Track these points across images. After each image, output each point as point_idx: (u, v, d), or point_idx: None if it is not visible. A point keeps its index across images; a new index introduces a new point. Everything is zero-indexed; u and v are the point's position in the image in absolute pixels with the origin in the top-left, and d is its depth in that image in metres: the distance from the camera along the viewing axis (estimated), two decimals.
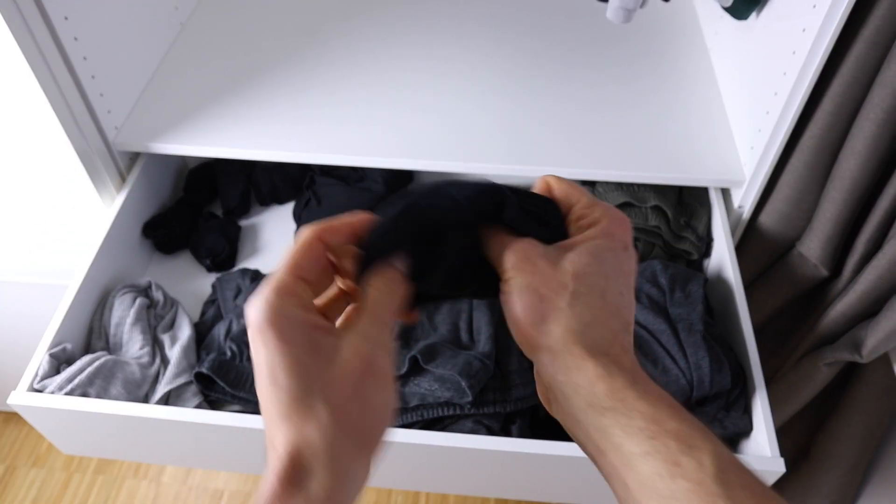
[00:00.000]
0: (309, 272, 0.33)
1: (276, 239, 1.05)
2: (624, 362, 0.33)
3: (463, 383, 0.75)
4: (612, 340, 0.34)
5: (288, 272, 0.33)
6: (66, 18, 0.79)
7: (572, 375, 0.33)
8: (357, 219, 0.35)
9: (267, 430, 0.30)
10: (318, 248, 0.34)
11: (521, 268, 0.35)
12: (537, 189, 0.40)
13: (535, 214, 0.38)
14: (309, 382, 0.29)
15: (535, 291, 0.34)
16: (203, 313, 0.94)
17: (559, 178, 0.39)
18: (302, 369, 0.30)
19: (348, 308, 0.37)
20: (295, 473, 0.28)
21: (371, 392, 0.31)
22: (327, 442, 0.29)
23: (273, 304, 0.31)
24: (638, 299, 0.84)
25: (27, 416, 0.76)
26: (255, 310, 0.31)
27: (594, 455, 0.34)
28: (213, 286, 0.95)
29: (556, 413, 0.36)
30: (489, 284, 0.38)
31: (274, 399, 0.29)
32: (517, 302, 0.35)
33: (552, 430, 0.82)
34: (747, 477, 0.30)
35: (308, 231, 0.34)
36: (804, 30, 0.73)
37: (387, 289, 0.34)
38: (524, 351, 0.36)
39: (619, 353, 0.34)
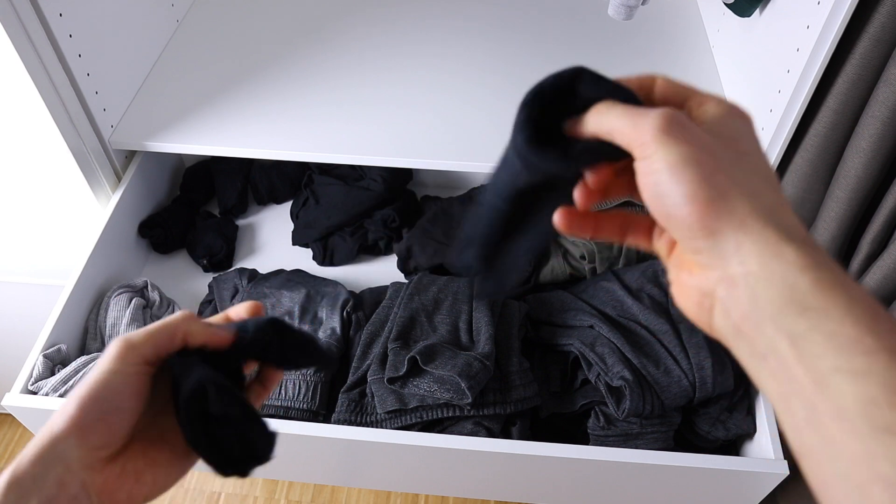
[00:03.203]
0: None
1: (273, 238, 1.04)
2: (824, 257, 0.26)
3: (463, 384, 0.74)
4: (803, 230, 0.28)
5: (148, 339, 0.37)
6: (60, 15, 0.78)
7: (767, 264, 0.26)
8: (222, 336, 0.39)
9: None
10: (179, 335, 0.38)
11: (673, 137, 0.28)
12: (633, 81, 0.34)
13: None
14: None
15: (702, 163, 0.27)
16: (200, 313, 0.93)
17: (667, 79, 0.33)
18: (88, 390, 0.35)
19: None
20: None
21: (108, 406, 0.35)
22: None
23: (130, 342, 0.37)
24: (639, 299, 0.83)
25: (21, 417, 0.75)
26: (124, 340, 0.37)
27: (773, 370, 0.26)
28: (210, 286, 0.94)
29: (721, 320, 0.29)
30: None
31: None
32: (678, 179, 0.27)
33: (553, 431, 0.82)
34: None
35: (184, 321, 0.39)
36: (808, 27, 0.72)
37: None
38: (686, 242, 0.29)
39: (816, 246, 0.27)
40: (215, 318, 0.41)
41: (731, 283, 0.27)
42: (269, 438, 0.36)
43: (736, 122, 0.30)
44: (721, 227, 0.27)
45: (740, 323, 0.27)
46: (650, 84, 0.33)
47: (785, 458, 0.73)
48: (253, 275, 0.94)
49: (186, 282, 0.98)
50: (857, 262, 0.84)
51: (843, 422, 0.24)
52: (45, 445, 0.33)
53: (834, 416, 0.24)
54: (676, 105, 0.31)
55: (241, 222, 1.06)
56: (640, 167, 0.29)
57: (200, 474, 1.41)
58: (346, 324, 0.86)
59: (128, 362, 0.36)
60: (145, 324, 0.86)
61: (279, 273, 0.94)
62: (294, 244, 1.03)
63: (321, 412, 0.81)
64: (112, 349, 0.36)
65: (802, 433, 0.25)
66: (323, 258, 1.00)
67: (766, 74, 0.82)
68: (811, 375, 0.25)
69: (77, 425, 0.33)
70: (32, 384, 0.75)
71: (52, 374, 0.77)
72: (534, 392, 0.79)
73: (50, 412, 0.73)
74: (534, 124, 0.33)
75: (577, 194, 0.33)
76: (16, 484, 0.31)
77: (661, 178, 0.28)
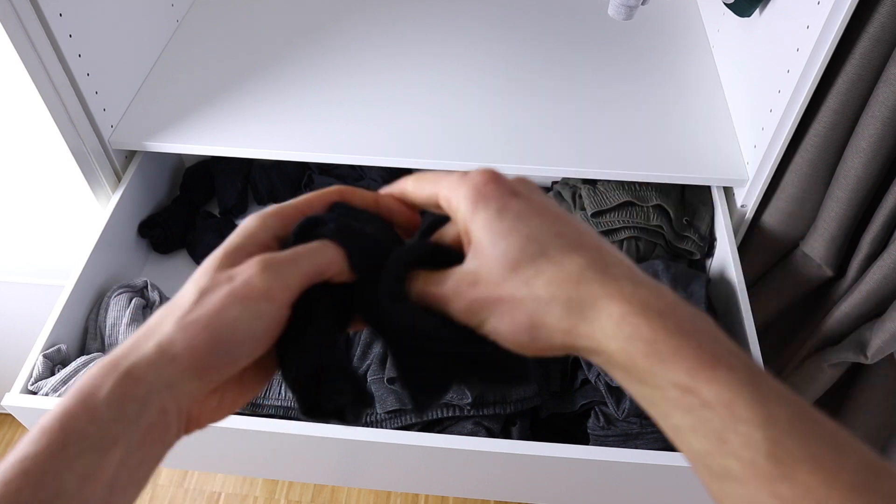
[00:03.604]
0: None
1: None
2: (634, 317, 0.28)
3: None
4: (607, 293, 0.28)
5: (295, 209, 0.35)
6: (60, 15, 0.78)
7: (597, 355, 0.29)
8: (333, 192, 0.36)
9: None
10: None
11: (474, 313, 0.31)
12: (394, 193, 0.35)
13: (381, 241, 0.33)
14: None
15: (503, 318, 0.30)
16: None
17: (416, 179, 0.34)
18: (214, 262, 0.32)
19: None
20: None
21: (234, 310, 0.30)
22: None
23: (264, 215, 0.35)
24: None
25: (21, 417, 0.75)
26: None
27: (658, 424, 0.30)
28: None
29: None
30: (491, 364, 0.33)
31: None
32: (506, 339, 0.30)
33: (553, 431, 0.82)
34: (811, 444, 0.25)
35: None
36: (808, 27, 0.72)
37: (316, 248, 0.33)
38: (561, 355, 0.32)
39: (627, 304, 0.28)
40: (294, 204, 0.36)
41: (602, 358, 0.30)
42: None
43: (490, 219, 0.31)
44: (554, 346, 0.30)
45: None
46: (401, 191, 0.35)
47: None
48: None
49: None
50: (856, 261, 0.84)
51: (700, 469, 0.27)
52: (158, 365, 0.29)
53: (694, 464, 0.27)
54: (435, 203, 0.33)
55: (241, 222, 1.06)
56: (484, 335, 0.32)
57: (200, 474, 1.41)
58: None
59: (274, 301, 0.30)
60: None
61: None
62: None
63: None
64: (256, 281, 0.30)
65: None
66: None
67: (766, 74, 0.82)
68: (671, 431, 0.28)
69: (198, 359, 0.29)
70: (32, 384, 0.75)
71: (52, 374, 0.77)
72: (534, 392, 0.79)
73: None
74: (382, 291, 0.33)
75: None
76: (118, 400, 0.28)
77: (499, 339, 0.31)
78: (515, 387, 0.36)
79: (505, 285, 0.30)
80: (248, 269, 0.31)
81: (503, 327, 0.30)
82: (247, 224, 0.35)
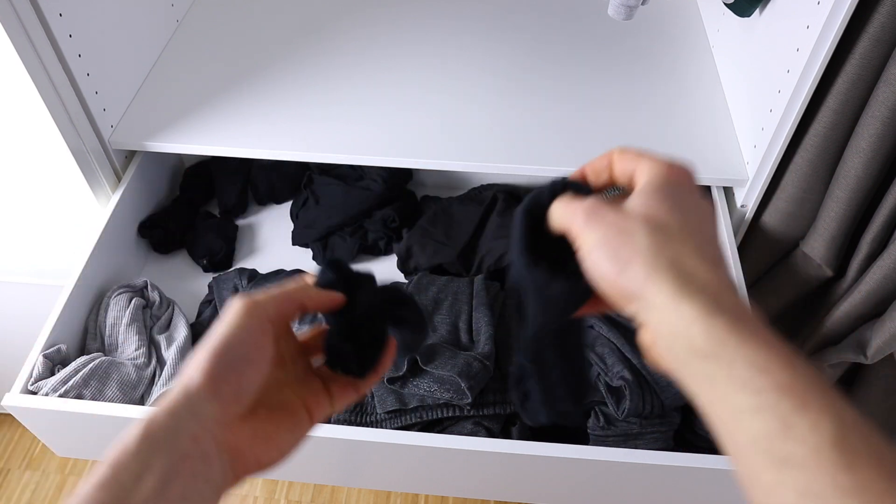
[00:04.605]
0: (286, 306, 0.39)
1: (273, 238, 1.04)
2: (725, 300, 0.30)
3: (462, 384, 0.74)
4: (707, 273, 0.31)
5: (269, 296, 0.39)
6: (60, 15, 0.78)
7: (668, 319, 0.30)
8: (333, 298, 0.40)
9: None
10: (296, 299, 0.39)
11: (590, 225, 0.33)
12: (597, 162, 0.40)
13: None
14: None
15: (609, 241, 0.32)
16: (200, 313, 0.93)
17: (620, 152, 0.38)
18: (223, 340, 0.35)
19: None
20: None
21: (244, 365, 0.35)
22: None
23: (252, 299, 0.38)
24: None
25: (21, 417, 0.75)
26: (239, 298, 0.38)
27: (706, 406, 0.30)
28: (210, 286, 0.94)
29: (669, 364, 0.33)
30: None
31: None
32: (597, 260, 0.33)
33: (553, 431, 0.82)
34: (875, 445, 0.25)
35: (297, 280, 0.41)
36: (808, 27, 0.72)
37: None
38: (621, 309, 0.34)
39: (720, 288, 0.30)
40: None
41: (656, 335, 0.32)
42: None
43: (668, 185, 0.34)
44: (632, 292, 0.32)
45: (675, 370, 0.31)
46: (609, 160, 0.38)
47: None
48: (253, 275, 0.94)
49: (186, 282, 0.98)
50: (856, 261, 0.84)
51: (755, 455, 0.27)
52: (179, 398, 0.32)
53: (748, 447, 0.27)
54: (630, 175, 0.37)
55: (240, 222, 1.06)
56: (580, 255, 0.34)
57: None
58: None
59: (253, 317, 0.35)
60: (145, 324, 0.86)
61: (279, 273, 0.94)
62: (294, 244, 1.03)
63: None
64: (236, 305, 0.36)
65: (735, 461, 0.29)
66: (323, 258, 0.99)
67: (766, 74, 0.82)
68: (727, 412, 0.28)
69: (209, 376, 0.33)
70: (32, 384, 0.75)
71: (52, 374, 0.77)
72: None
73: (49, 412, 0.73)
74: (529, 244, 0.38)
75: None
76: (149, 436, 0.31)
77: (588, 262, 0.33)
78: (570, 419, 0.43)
79: (632, 220, 0.33)
80: (230, 305, 0.36)
81: (603, 248, 0.33)
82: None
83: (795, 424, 0.26)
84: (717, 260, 0.32)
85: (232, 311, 0.36)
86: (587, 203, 0.35)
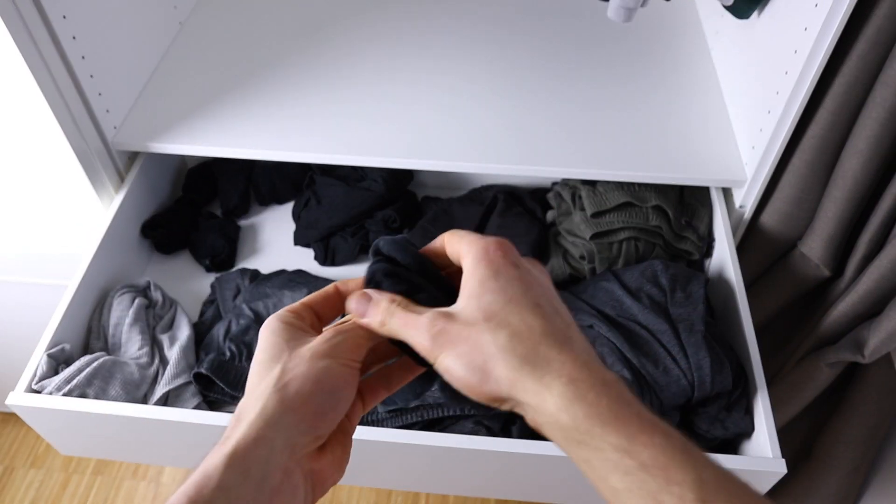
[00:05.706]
0: (321, 307, 0.39)
1: (275, 239, 1.05)
2: (582, 382, 0.31)
3: None
4: (560, 355, 0.32)
5: (300, 303, 0.39)
6: (64, 17, 0.79)
7: (539, 411, 0.32)
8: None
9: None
10: (335, 294, 0.40)
11: (437, 345, 0.34)
12: (436, 246, 0.39)
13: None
14: (274, 359, 0.35)
15: (462, 357, 0.33)
16: (202, 313, 0.93)
17: (448, 238, 0.38)
18: (273, 351, 0.35)
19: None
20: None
21: (315, 389, 0.34)
22: (262, 407, 0.33)
23: (279, 315, 0.38)
24: (638, 299, 0.83)
25: (25, 416, 0.76)
26: (269, 317, 0.38)
27: (594, 484, 0.32)
28: (213, 286, 0.94)
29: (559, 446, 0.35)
30: None
31: (251, 369, 0.36)
32: (457, 376, 0.33)
33: None
34: (736, 495, 0.29)
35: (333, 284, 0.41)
36: (806, 28, 0.72)
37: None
38: (500, 408, 0.35)
39: (574, 368, 0.31)
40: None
41: (535, 426, 0.33)
42: None
43: (490, 269, 0.34)
44: (500, 397, 0.33)
45: (562, 449, 0.33)
46: (443, 241, 0.38)
47: (783, 457, 0.74)
48: (255, 275, 0.94)
49: (189, 282, 0.99)
50: (854, 262, 0.84)
51: None
52: (270, 425, 0.32)
53: None
54: (457, 256, 0.37)
55: (243, 223, 1.07)
56: (438, 370, 0.34)
57: None
58: None
59: (340, 359, 0.35)
60: (147, 324, 0.86)
61: (281, 273, 0.95)
62: (296, 244, 1.03)
63: None
64: (326, 348, 0.35)
65: None
66: (324, 258, 1.00)
67: (765, 76, 0.83)
68: (608, 492, 0.30)
69: (310, 410, 0.33)
70: (36, 383, 0.76)
71: (56, 373, 0.77)
72: None
73: (53, 411, 0.73)
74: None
75: None
76: (240, 463, 0.30)
77: (449, 378, 0.34)
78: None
79: (475, 328, 0.33)
80: (313, 341, 0.36)
81: (459, 364, 0.33)
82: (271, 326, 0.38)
83: (663, 501, 0.28)
84: (566, 330, 0.33)
85: (320, 350, 0.35)
86: (426, 321, 0.34)
